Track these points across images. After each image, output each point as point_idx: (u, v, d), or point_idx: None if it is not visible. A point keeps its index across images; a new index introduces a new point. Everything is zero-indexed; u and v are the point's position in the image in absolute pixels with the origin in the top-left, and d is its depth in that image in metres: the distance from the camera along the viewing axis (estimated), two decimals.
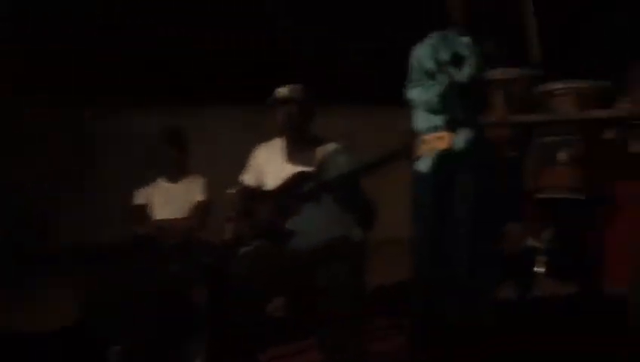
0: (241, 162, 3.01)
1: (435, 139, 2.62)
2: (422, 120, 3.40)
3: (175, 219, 3.04)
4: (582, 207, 2.77)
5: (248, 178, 2.96)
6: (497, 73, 2.95)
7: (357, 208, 2.86)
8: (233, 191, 2.98)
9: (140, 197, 3.15)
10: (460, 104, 3.06)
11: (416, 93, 3.29)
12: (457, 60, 3.17)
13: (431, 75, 3.19)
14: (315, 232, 2.77)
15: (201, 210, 3.11)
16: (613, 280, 2.70)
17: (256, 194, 2.89)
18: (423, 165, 3.32)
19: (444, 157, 3.11)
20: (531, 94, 2.83)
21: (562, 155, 2.72)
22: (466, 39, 3.38)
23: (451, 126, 2.90)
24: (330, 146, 2.93)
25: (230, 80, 5.20)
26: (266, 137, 3.02)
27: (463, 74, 3.13)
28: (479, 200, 3.08)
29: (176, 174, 3.18)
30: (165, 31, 5.08)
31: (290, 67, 5.20)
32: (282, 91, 2.87)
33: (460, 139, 2.92)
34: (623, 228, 2.64)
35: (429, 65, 3.27)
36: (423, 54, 3.33)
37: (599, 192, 2.73)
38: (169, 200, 3.14)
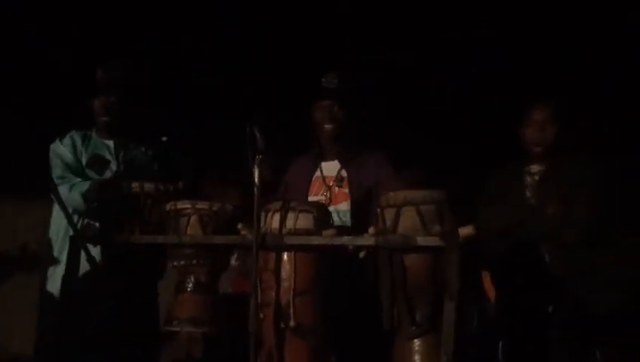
0: None
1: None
2: (54, 223, 3.41)
3: None
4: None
5: None
6: (124, 185, 3.03)
7: None
8: None
9: None
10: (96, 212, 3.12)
11: (62, 194, 3.29)
12: (96, 163, 3.27)
13: (75, 172, 3.25)
14: None
15: None
16: None
17: None
18: (50, 281, 3.32)
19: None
20: (162, 211, 2.94)
21: (189, 282, 2.84)
22: (110, 142, 3.52)
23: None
24: None
25: None
26: None
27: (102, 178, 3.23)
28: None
29: None
30: None
31: None
32: None
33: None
34: None
35: (70, 159, 3.34)
36: (63, 151, 3.40)
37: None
38: None
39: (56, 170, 3.39)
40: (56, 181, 3.35)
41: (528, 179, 3.37)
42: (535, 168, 3.38)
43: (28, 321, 3.42)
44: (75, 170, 3.42)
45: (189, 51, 5.48)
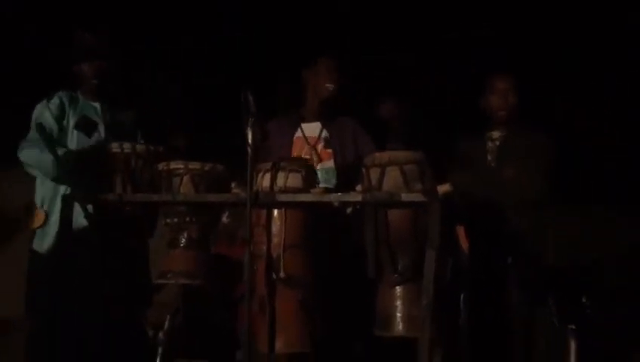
0: None
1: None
2: (40, 188, 3.62)
3: None
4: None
5: None
6: (115, 146, 3.24)
7: None
8: None
9: None
10: (82, 174, 3.33)
11: (31, 155, 3.47)
12: (85, 125, 3.49)
13: (51, 136, 3.45)
14: None
15: None
16: None
17: None
18: (39, 242, 3.52)
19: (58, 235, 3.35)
20: (154, 171, 3.17)
21: (181, 238, 3.08)
22: (96, 104, 3.73)
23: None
24: None
25: None
26: None
27: (90, 140, 3.45)
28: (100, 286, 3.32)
29: None
30: None
31: None
32: None
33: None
34: None
35: (51, 125, 3.53)
36: (46, 113, 3.57)
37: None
38: None
39: (32, 132, 3.53)
40: (30, 142, 3.50)
41: (490, 144, 3.79)
42: (496, 134, 3.79)
43: (16, 284, 3.58)
44: (57, 137, 3.56)
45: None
